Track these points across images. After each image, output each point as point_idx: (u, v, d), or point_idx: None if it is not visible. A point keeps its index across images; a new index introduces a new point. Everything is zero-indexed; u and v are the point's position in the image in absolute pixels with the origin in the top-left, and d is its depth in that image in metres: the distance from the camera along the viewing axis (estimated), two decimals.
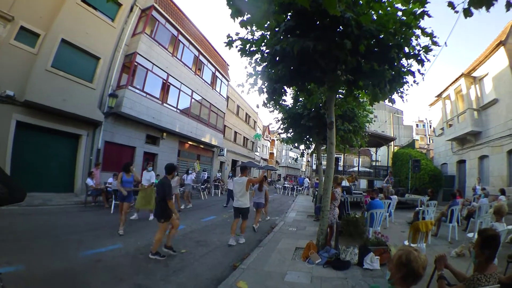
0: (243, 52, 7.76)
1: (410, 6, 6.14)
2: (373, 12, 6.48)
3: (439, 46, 6.71)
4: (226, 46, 7.57)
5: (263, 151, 62.45)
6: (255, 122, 52.09)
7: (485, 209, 11.40)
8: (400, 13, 6.38)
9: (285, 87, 8.68)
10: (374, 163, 38.96)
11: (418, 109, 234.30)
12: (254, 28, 6.81)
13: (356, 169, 33.93)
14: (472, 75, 22.81)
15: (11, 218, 10.25)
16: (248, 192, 9.82)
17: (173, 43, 24.24)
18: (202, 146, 31.54)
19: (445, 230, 10.71)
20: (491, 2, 4.05)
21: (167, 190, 7.60)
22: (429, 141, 64.47)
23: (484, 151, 20.98)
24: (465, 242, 8.83)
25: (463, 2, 4.27)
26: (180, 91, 25.27)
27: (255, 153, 52.32)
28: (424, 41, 8.08)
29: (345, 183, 20.80)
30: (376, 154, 35.63)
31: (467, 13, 4.31)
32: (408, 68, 7.51)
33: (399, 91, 8.07)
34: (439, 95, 28.10)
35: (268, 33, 7.27)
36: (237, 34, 7.57)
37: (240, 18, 5.20)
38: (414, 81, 7.87)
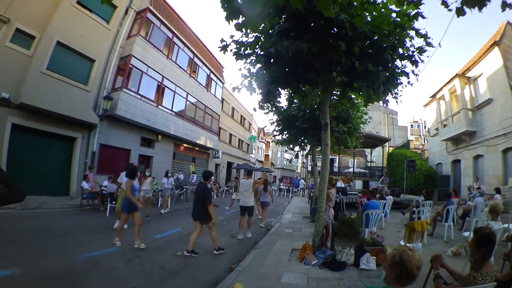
0: (238, 55, 7.76)
1: (404, 8, 6.16)
2: (367, 14, 6.50)
3: (433, 47, 6.74)
4: (220, 50, 7.56)
5: (258, 153, 62.50)
6: (250, 124, 52.15)
7: (480, 208, 11.44)
8: (394, 15, 6.41)
9: (280, 89, 8.69)
10: (369, 164, 39.00)
11: (413, 109, 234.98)
12: (248, 31, 6.80)
13: (351, 170, 33.97)
14: (466, 75, 22.90)
15: (6, 221, 10.21)
16: (252, 193, 11.15)
17: (168, 45, 24.24)
18: (197, 149, 31.55)
19: (441, 230, 10.76)
20: (484, 2, 4.08)
21: (207, 195, 8.35)
22: (424, 142, 64.74)
23: (479, 150, 21.04)
24: (461, 241, 8.88)
25: (456, 1, 4.30)
26: (175, 93, 25.27)
27: (251, 155, 52.35)
28: (418, 42, 8.14)
29: (340, 184, 20.81)
30: (371, 155, 35.79)
31: (460, 12, 4.33)
32: (402, 69, 7.55)
33: (393, 92, 8.10)
34: (434, 96, 28.17)
35: (263, 35, 7.27)
36: (231, 36, 7.55)
37: (235, 21, 5.21)
38: (408, 82, 7.90)
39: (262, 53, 7.66)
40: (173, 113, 25.18)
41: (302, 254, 7.82)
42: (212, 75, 32.59)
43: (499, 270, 5.15)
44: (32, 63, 14.49)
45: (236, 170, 41.51)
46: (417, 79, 7.76)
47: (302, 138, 16.35)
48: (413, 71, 7.47)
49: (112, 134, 19.87)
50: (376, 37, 6.55)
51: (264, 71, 7.86)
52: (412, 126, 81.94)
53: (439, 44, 7.07)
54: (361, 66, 6.77)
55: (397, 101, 8.61)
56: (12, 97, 13.82)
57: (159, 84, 23.02)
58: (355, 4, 6.34)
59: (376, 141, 28.73)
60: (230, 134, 41.98)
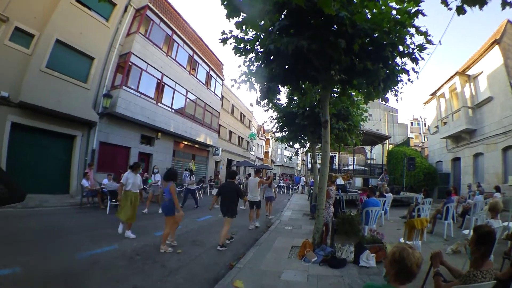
0: (237, 50, 7.75)
1: (405, 5, 6.14)
2: (367, 11, 6.49)
3: (433, 44, 6.72)
4: (220, 42, 7.53)
5: (258, 150, 62.44)
6: (250, 121, 52.05)
7: (480, 206, 11.45)
8: (394, 12, 6.38)
9: (279, 86, 8.68)
10: (369, 161, 39.03)
11: (413, 107, 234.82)
12: (249, 29, 6.79)
13: (351, 167, 33.98)
14: (466, 73, 22.91)
15: (6, 220, 10.21)
16: (259, 188, 12.85)
17: (167, 42, 24.21)
18: (197, 146, 31.53)
19: (440, 227, 10.78)
20: (484, 0, 4.08)
21: (239, 190, 9.67)
22: (424, 139, 64.75)
23: (479, 148, 21.07)
24: (461, 239, 8.89)
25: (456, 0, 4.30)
26: (174, 90, 25.25)
27: (250, 152, 52.28)
28: (419, 39, 8.14)
29: (340, 181, 20.83)
30: (371, 152, 35.81)
31: (460, 10, 4.33)
32: (402, 67, 7.53)
33: (393, 89, 8.09)
34: (434, 94, 28.14)
35: (263, 33, 7.26)
36: (230, 32, 7.54)
37: (235, 19, 5.20)
38: (409, 80, 7.89)
39: (261, 50, 7.65)
40: (173, 111, 25.17)
41: (302, 251, 7.83)
42: (211, 72, 32.54)
43: (499, 268, 5.15)
44: (31, 62, 14.47)
45: (236, 167, 41.49)
46: (417, 76, 7.75)
47: (302, 135, 16.38)
48: (413, 69, 7.46)
49: (112, 131, 19.87)
50: (376, 35, 6.54)
51: (264, 68, 7.85)
52: (412, 123, 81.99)
53: (440, 41, 7.05)
54: (361, 64, 6.76)
55: (397, 99, 8.60)
56: (11, 96, 13.81)
57: (159, 81, 23.00)
58: (355, 1, 6.32)
59: (376, 139, 28.69)
60: (230, 132, 41.95)
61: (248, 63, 8.20)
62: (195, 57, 28.80)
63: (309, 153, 27.49)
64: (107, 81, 19.09)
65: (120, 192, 9.60)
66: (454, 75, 23.20)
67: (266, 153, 73.24)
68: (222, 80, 35.37)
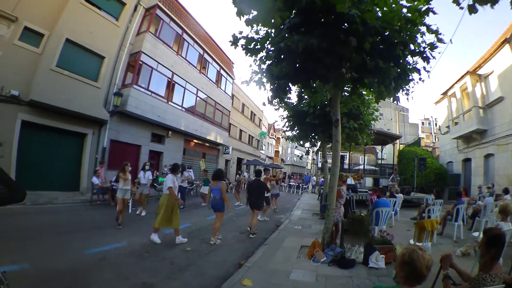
0: (248, 50, 7.74)
1: (415, 3, 6.10)
2: (378, 9, 6.45)
3: (444, 43, 6.67)
4: (231, 45, 7.54)
5: (269, 149, 62.45)
6: (260, 120, 52.09)
7: (490, 208, 11.37)
8: (405, 10, 6.34)
9: (290, 85, 8.66)
10: (379, 161, 38.89)
11: (424, 107, 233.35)
12: (259, 27, 6.78)
13: (361, 167, 33.90)
14: (477, 72, 22.69)
15: (16, 217, 10.27)
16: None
17: (177, 41, 24.28)
18: (207, 144, 31.56)
19: (450, 229, 10.72)
20: None
21: (265, 186, 11.85)
22: (435, 139, 64.29)
23: (490, 149, 20.88)
24: (471, 241, 8.83)
25: None
26: (185, 89, 25.32)
27: (261, 151, 52.28)
28: (429, 38, 8.08)
29: (350, 181, 20.77)
30: (381, 152, 35.62)
31: (472, 9, 4.29)
32: (414, 66, 7.47)
33: (404, 88, 8.03)
34: (445, 93, 27.95)
35: (273, 30, 7.24)
36: (240, 32, 7.53)
37: (245, 16, 5.19)
38: (420, 79, 7.85)
39: (272, 48, 7.64)
40: (183, 109, 25.26)
41: (311, 251, 7.82)
42: (222, 71, 32.56)
43: (507, 272, 5.10)
44: (42, 61, 14.58)
45: (246, 166, 41.42)
46: (428, 75, 7.70)
47: (313, 134, 16.37)
48: (424, 68, 7.40)
49: (122, 130, 19.99)
50: (387, 33, 6.49)
51: (274, 67, 7.84)
52: (423, 123, 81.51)
53: (450, 40, 6.96)
54: (372, 62, 6.72)
55: (408, 98, 8.54)
56: (22, 95, 13.91)
57: (169, 80, 23.10)
58: None
59: (387, 138, 28.62)
60: (240, 130, 42.00)
61: (258, 62, 8.19)
62: (206, 56, 28.86)
63: (319, 152, 27.43)
64: (118, 80, 19.21)
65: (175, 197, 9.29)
66: (465, 74, 23.03)
67: (277, 152, 73.20)
68: (233, 79, 35.45)
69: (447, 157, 28.91)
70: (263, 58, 8.04)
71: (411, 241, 8.12)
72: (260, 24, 6.35)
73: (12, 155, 13.74)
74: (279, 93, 8.59)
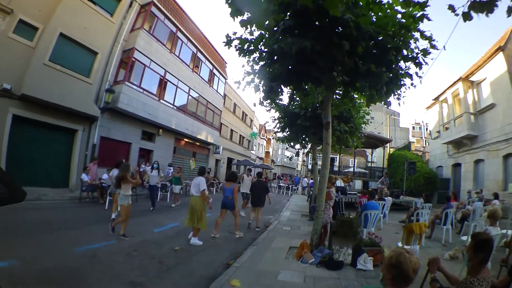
0: (241, 51, 7.74)
1: (410, 9, 6.13)
2: (372, 14, 6.48)
3: (437, 49, 6.73)
4: (225, 45, 7.54)
5: (259, 150, 62.48)
6: (251, 120, 52.07)
7: (479, 212, 11.48)
8: (399, 16, 6.38)
9: (282, 86, 8.67)
10: (369, 164, 39.01)
11: (415, 111, 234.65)
12: (253, 28, 6.79)
13: (351, 169, 33.98)
14: (470, 79, 22.90)
15: (5, 213, 10.17)
16: (249, 185, 14.37)
17: (171, 39, 24.25)
18: (198, 144, 31.55)
19: (439, 233, 10.79)
20: (492, 8, 4.08)
21: (267, 187, 13.59)
22: (425, 144, 64.77)
23: (480, 155, 21.08)
24: (459, 245, 8.89)
25: (463, 6, 4.29)
26: (177, 87, 25.27)
27: (251, 151, 52.29)
28: (423, 44, 8.10)
29: (340, 183, 20.86)
30: (371, 155, 35.79)
31: (467, 17, 4.33)
32: (406, 71, 7.53)
33: (396, 93, 8.08)
34: (436, 98, 28.12)
35: (267, 32, 7.26)
36: (234, 33, 7.54)
37: (240, 17, 5.20)
38: (412, 84, 7.88)
39: (265, 50, 7.65)
40: (175, 108, 25.22)
41: (300, 252, 7.84)
42: (215, 71, 32.58)
43: (496, 276, 5.15)
44: (35, 55, 14.46)
45: (236, 166, 41.44)
46: (420, 81, 7.78)
47: (303, 136, 16.37)
48: (416, 73, 7.46)
49: (113, 127, 19.90)
50: (381, 38, 6.53)
51: (267, 68, 7.85)
52: (414, 128, 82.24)
53: (444, 47, 7.01)
54: (364, 66, 6.76)
55: (399, 103, 8.63)
56: (14, 88, 13.77)
57: (162, 78, 23.05)
58: (361, 3, 6.31)
59: (377, 142, 28.75)
60: (231, 130, 41.97)
61: (251, 63, 8.20)
62: (199, 54, 28.84)
63: (310, 154, 27.51)
64: (110, 76, 19.11)
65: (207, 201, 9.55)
66: (457, 80, 23.20)
67: (267, 152, 73.29)
68: (225, 79, 35.42)
69: (437, 162, 29.09)
70: (256, 59, 8.05)
71: (400, 244, 8.19)
72: (254, 26, 6.36)
73: (2, 150, 13.61)
74: (271, 94, 8.62)
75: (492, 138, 19.65)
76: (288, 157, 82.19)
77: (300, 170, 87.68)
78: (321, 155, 9.55)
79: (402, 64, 7.43)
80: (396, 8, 6.31)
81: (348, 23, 5.82)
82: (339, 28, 6.36)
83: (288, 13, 6.60)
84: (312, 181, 22.04)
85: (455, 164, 25.28)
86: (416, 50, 6.97)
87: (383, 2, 6.34)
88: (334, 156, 33.58)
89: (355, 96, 10.71)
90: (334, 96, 10.55)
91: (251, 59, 8.09)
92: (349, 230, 9.41)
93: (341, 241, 8.82)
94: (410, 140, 55.52)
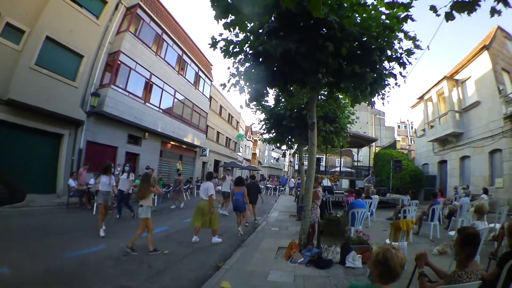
0: (227, 53, 7.76)
1: (394, 10, 6.19)
2: (356, 15, 6.54)
3: (421, 49, 6.81)
4: (210, 47, 7.56)
5: (246, 152, 62.49)
6: (237, 122, 52.13)
7: (466, 208, 11.58)
8: (383, 17, 6.44)
9: (268, 88, 8.70)
10: (356, 164, 39.19)
11: (400, 110, 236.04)
12: (237, 30, 6.81)
13: (338, 169, 34.09)
14: (454, 78, 23.23)
15: None
16: (229, 184, 16.88)
17: (157, 42, 24.19)
18: (184, 146, 31.51)
19: (426, 229, 10.89)
20: (474, 7, 4.15)
21: (259, 189, 15.60)
22: (411, 142, 65.29)
23: (466, 151, 21.39)
24: (447, 240, 9.02)
25: (445, 6, 4.35)
26: (163, 90, 25.20)
27: (238, 153, 52.32)
28: (407, 44, 8.19)
29: (327, 182, 20.94)
30: (358, 154, 35.93)
31: (449, 16, 4.38)
32: (390, 71, 7.60)
33: (380, 93, 8.16)
34: (421, 97, 28.42)
35: (252, 35, 7.28)
36: (220, 35, 7.55)
37: (224, 20, 5.22)
38: (396, 84, 7.96)
39: (251, 51, 7.68)
40: (161, 111, 25.11)
41: (289, 252, 7.87)
42: (200, 73, 32.51)
43: (485, 269, 5.23)
44: (21, 58, 14.32)
45: (223, 168, 41.37)
46: (404, 80, 7.84)
47: (289, 137, 16.45)
48: (400, 73, 7.54)
49: (99, 131, 19.74)
50: (365, 39, 6.59)
51: (252, 70, 7.88)
52: (399, 126, 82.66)
53: (428, 47, 7.12)
54: (348, 67, 6.81)
55: (384, 102, 8.70)
56: (0, 93, 13.65)
57: (147, 81, 22.94)
58: (345, 5, 6.36)
59: (363, 141, 28.89)
60: (218, 132, 41.94)
61: (237, 64, 8.22)
62: (184, 57, 28.79)
63: (296, 155, 27.55)
64: (96, 80, 18.98)
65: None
66: (442, 79, 23.51)
67: (254, 154, 73.29)
68: (211, 81, 35.36)
69: (423, 159, 29.39)
70: (241, 60, 8.07)
71: (387, 241, 8.28)
72: (237, 28, 6.37)
73: None
74: (257, 96, 8.64)
75: (477, 135, 19.98)
76: (275, 158, 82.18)
77: (287, 171, 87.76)
78: (307, 155, 9.61)
79: (386, 64, 7.50)
80: (380, 9, 6.37)
81: (332, 24, 5.87)
82: (324, 29, 6.41)
83: (273, 15, 6.64)
84: (299, 181, 22.12)
85: (441, 161, 25.61)
86: (400, 51, 7.05)
87: (367, 4, 6.41)
88: (320, 156, 33.75)
89: (340, 96, 10.82)
90: (319, 97, 10.64)
91: (236, 60, 8.11)
92: (337, 228, 9.45)
93: (329, 240, 8.86)
94: (395, 139, 55.84)
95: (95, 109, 18.37)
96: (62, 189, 16.77)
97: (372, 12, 6.39)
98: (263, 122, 16.18)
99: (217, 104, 41.04)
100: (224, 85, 8.66)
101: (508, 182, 16.93)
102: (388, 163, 26.60)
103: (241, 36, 7.46)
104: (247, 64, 8.07)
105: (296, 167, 38.29)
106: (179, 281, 6.33)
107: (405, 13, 6.20)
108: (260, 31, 6.85)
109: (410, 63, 7.12)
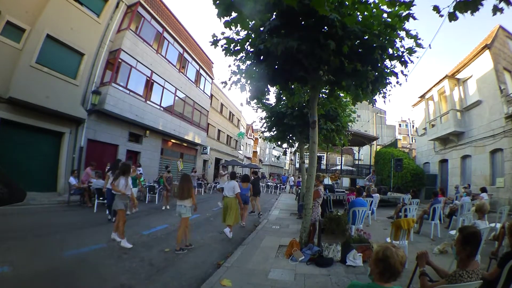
0: (228, 51, 7.74)
1: (396, 9, 6.16)
2: (358, 13, 6.51)
3: (423, 48, 6.77)
4: (211, 45, 7.53)
5: (247, 150, 62.40)
6: (238, 120, 52.05)
7: (467, 207, 11.58)
8: (385, 15, 6.41)
9: (269, 86, 8.69)
10: (357, 162, 39.23)
11: (401, 109, 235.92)
12: (238, 28, 6.79)
13: (339, 167, 34.10)
14: (456, 77, 23.23)
15: None
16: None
17: (158, 40, 24.15)
18: (185, 144, 31.42)
19: (427, 228, 10.92)
20: (477, 6, 4.13)
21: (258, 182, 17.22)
22: (412, 141, 65.21)
23: (467, 151, 21.40)
24: (448, 240, 8.98)
25: (448, 6, 4.33)
26: (163, 88, 25.16)
27: (239, 151, 52.22)
28: (408, 42, 8.18)
29: (328, 181, 20.97)
30: (359, 153, 36.08)
31: (452, 17, 4.36)
32: (391, 69, 7.58)
33: (381, 91, 8.14)
34: (423, 96, 28.43)
35: (253, 33, 7.27)
36: (222, 33, 7.55)
37: (226, 18, 5.21)
38: (397, 82, 7.94)
39: (252, 49, 7.66)
40: (162, 109, 25.09)
41: (289, 250, 7.87)
42: (201, 71, 32.47)
43: (486, 269, 5.22)
44: (22, 57, 14.27)
45: (224, 166, 41.30)
46: (406, 79, 7.81)
47: (290, 135, 16.42)
48: (402, 71, 7.51)
49: (100, 129, 19.73)
50: (366, 37, 6.56)
51: (254, 68, 7.87)
52: (400, 125, 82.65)
53: (429, 45, 7.06)
54: (350, 65, 6.79)
55: (385, 101, 8.66)
56: (0, 91, 13.62)
57: (148, 79, 22.92)
58: (347, 3, 6.34)
59: (364, 140, 28.94)
60: (219, 130, 41.88)
61: (238, 62, 8.20)
62: (185, 55, 28.76)
63: (297, 153, 27.54)
64: (96, 78, 18.93)
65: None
66: (444, 78, 23.53)
67: (255, 152, 73.18)
68: (212, 79, 35.33)
69: (424, 158, 29.39)
70: (242, 58, 8.06)
71: (388, 240, 8.26)
72: (238, 26, 6.35)
73: None
74: (258, 94, 8.63)
75: (478, 134, 20.00)
76: (275, 156, 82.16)
77: (288, 169, 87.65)
78: (308, 153, 9.60)
79: (387, 62, 7.46)
80: (382, 7, 6.34)
81: (334, 22, 5.85)
82: (325, 27, 6.39)
83: (274, 13, 6.62)
84: (299, 179, 22.15)
85: (442, 160, 25.60)
86: (402, 49, 7.01)
87: (369, 2, 6.37)
88: (321, 154, 33.83)
89: (341, 94, 10.80)
90: (320, 95, 10.60)
91: (237, 58, 8.09)
92: (338, 227, 9.45)
93: (330, 238, 8.85)
94: (396, 138, 55.83)
95: (96, 107, 18.32)
96: (63, 187, 16.76)
97: (374, 10, 6.36)
98: (264, 120, 16.14)
99: (218, 102, 41.01)
100: (225, 83, 8.67)
101: (509, 181, 16.94)
102: (389, 162, 26.63)
103: (242, 34, 7.45)
104: (248, 62, 8.06)
105: (297, 165, 38.32)
106: (180, 279, 6.30)
107: (407, 12, 6.16)
108: (262, 29, 6.83)
109: (411, 61, 7.09)
